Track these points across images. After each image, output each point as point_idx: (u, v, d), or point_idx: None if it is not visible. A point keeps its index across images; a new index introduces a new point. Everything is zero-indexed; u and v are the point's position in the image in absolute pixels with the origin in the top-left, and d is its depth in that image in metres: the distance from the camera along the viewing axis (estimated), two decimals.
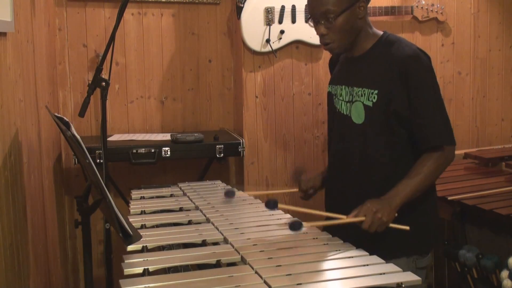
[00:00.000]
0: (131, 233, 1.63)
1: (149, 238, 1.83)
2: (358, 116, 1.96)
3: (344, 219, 1.80)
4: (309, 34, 3.31)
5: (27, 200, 2.36)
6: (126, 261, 1.63)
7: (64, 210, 3.43)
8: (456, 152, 3.60)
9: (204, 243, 1.83)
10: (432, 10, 3.57)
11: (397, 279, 1.46)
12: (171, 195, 2.50)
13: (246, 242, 1.78)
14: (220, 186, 2.67)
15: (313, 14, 1.96)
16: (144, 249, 1.77)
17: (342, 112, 2.05)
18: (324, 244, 1.77)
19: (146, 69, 3.55)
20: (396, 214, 1.81)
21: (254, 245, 1.75)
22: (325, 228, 1.89)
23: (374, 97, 1.91)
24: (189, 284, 1.47)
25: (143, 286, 1.44)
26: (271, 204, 1.81)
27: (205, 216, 2.11)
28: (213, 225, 2.00)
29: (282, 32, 3.32)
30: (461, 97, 3.76)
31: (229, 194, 2.07)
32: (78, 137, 1.72)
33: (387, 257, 1.61)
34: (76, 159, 3.05)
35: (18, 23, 2.33)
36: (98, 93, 2.40)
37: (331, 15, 1.90)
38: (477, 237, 2.51)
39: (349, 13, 1.91)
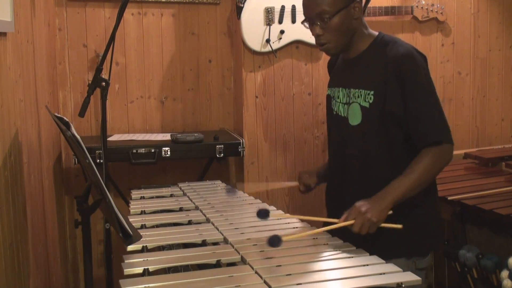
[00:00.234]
0: (131, 233, 1.63)
1: (149, 238, 1.83)
2: (355, 117, 1.96)
3: (334, 224, 1.78)
4: (309, 34, 3.23)
5: (27, 200, 2.36)
6: (126, 261, 1.63)
7: (64, 210, 3.43)
8: (456, 152, 3.60)
9: (204, 243, 1.83)
10: (432, 10, 3.57)
11: (397, 279, 1.47)
12: (171, 195, 2.50)
13: (246, 242, 1.78)
14: (220, 186, 2.68)
15: (308, 15, 1.97)
16: (144, 249, 1.77)
17: (339, 114, 2.05)
18: (324, 244, 1.77)
19: (146, 69, 3.55)
20: (391, 212, 1.79)
21: (254, 245, 1.75)
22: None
23: (370, 98, 1.91)
24: (189, 284, 1.47)
25: (143, 286, 1.44)
26: (262, 213, 1.82)
27: (205, 216, 2.11)
28: (213, 225, 2.00)
29: (282, 32, 3.32)
30: (461, 97, 3.76)
31: (231, 192, 2.07)
32: (78, 137, 1.72)
33: (387, 258, 1.61)
34: (76, 159, 3.05)
35: (18, 23, 2.33)
36: (98, 93, 2.40)
37: (326, 16, 1.91)
38: (477, 237, 2.51)
39: (344, 13, 1.91)
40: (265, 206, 2.28)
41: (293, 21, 3.31)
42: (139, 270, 1.57)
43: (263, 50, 3.33)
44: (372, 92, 1.91)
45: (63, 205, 3.41)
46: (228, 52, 3.66)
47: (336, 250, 1.70)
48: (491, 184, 2.76)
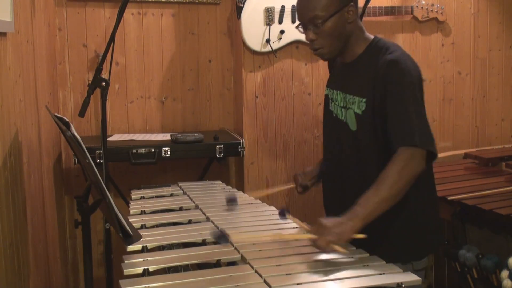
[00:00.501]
0: (131, 233, 1.63)
1: (149, 238, 1.83)
2: (352, 123, 1.95)
3: (297, 235, 1.78)
4: None
5: (27, 200, 2.36)
6: (126, 261, 1.63)
7: (64, 210, 3.43)
8: (456, 152, 3.61)
9: (204, 243, 1.83)
10: (432, 10, 3.57)
11: (397, 279, 1.47)
12: (171, 195, 2.50)
13: (246, 242, 1.78)
14: (220, 186, 2.67)
15: (302, 20, 1.95)
16: (144, 249, 1.77)
17: (339, 117, 2.03)
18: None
19: (146, 69, 3.55)
20: (364, 236, 1.67)
21: (254, 244, 1.75)
22: None
23: (363, 106, 1.89)
24: (189, 284, 1.47)
25: (143, 286, 1.44)
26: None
27: (205, 215, 2.11)
28: (213, 224, 2.00)
29: (282, 32, 3.32)
30: (461, 97, 3.76)
31: (231, 202, 2.05)
32: (78, 137, 1.72)
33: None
34: (76, 159, 3.05)
35: (18, 23, 2.33)
36: (98, 93, 2.40)
37: (319, 21, 1.88)
38: (477, 237, 2.51)
39: (338, 17, 1.89)
40: (265, 206, 2.28)
41: (293, 21, 3.31)
42: (139, 270, 1.57)
43: (263, 50, 3.33)
44: (364, 100, 1.89)
45: (63, 205, 3.41)
46: (228, 52, 3.66)
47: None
48: (491, 184, 2.76)
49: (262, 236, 1.81)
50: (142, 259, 1.65)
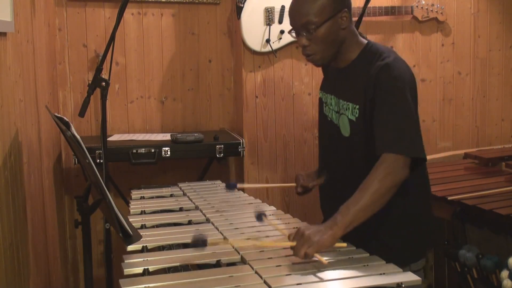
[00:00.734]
0: (131, 233, 1.63)
1: (149, 238, 1.83)
2: (344, 129, 1.94)
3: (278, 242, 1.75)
4: None
5: (27, 200, 2.36)
6: (126, 261, 1.63)
7: (64, 210, 3.43)
8: (456, 152, 3.61)
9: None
10: (432, 10, 3.57)
11: (397, 279, 1.47)
12: (171, 195, 2.50)
13: (246, 243, 1.78)
14: (220, 186, 2.68)
15: (294, 26, 1.92)
16: (144, 249, 1.77)
17: (333, 121, 2.02)
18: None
19: (146, 69, 3.55)
20: (344, 244, 1.68)
21: (254, 244, 1.75)
22: None
23: (356, 112, 1.87)
24: (189, 284, 1.47)
25: (143, 286, 1.44)
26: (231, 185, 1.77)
27: (205, 216, 2.11)
28: (213, 225, 2.00)
29: (282, 32, 3.32)
30: (461, 97, 3.76)
31: (230, 187, 2.03)
32: (78, 137, 1.72)
33: None
34: (76, 159, 3.05)
35: (18, 23, 2.33)
36: (98, 93, 2.40)
37: (312, 26, 1.85)
38: (477, 237, 2.51)
39: (331, 24, 1.86)
40: (265, 206, 2.28)
41: None
42: (139, 270, 1.57)
43: (263, 50, 3.33)
44: (357, 106, 1.87)
45: (63, 205, 3.42)
46: (228, 52, 3.66)
47: (336, 250, 1.70)
48: (491, 184, 2.76)
49: (239, 240, 1.76)
50: (142, 259, 1.65)
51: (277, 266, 1.57)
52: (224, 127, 3.68)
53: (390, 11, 3.47)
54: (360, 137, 1.88)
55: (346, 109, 1.92)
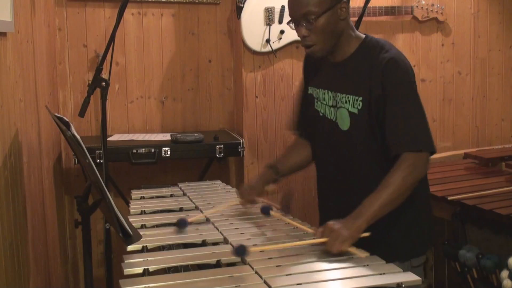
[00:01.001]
0: (131, 233, 1.63)
1: (149, 238, 1.83)
2: (343, 122, 1.93)
3: (312, 238, 1.75)
4: None
5: (27, 200, 2.36)
6: (126, 261, 1.63)
7: (64, 210, 3.43)
8: (456, 152, 3.60)
9: (204, 243, 1.83)
10: (432, 10, 3.57)
11: (397, 279, 1.47)
12: (171, 195, 2.50)
13: (246, 242, 1.78)
14: (220, 186, 2.67)
15: (294, 16, 1.92)
16: (144, 249, 1.77)
17: (328, 117, 2.01)
18: (324, 244, 1.77)
19: (146, 69, 3.55)
20: (368, 234, 1.70)
21: (254, 245, 1.75)
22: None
23: (359, 104, 1.87)
24: (189, 284, 1.47)
25: (143, 286, 1.44)
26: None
27: (205, 216, 2.11)
28: (213, 225, 2.00)
29: (282, 32, 3.32)
30: (461, 97, 3.76)
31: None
32: (78, 137, 1.72)
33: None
34: (76, 159, 3.05)
35: (18, 23, 2.33)
36: (98, 93, 2.40)
37: (312, 17, 1.85)
38: (477, 237, 2.51)
39: (330, 14, 1.86)
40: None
41: None
42: (139, 270, 1.57)
43: (263, 50, 3.33)
44: (360, 98, 1.87)
45: (63, 205, 3.42)
46: (228, 52, 3.66)
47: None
48: (491, 184, 2.76)
49: (277, 246, 1.75)
50: (142, 259, 1.65)
51: (277, 266, 1.57)
52: (224, 127, 3.68)
53: (390, 11, 3.47)
54: (360, 130, 1.89)
55: (346, 102, 1.92)
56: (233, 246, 1.69)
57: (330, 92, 1.99)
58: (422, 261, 1.98)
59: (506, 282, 2.16)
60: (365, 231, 1.71)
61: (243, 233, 1.89)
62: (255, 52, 3.36)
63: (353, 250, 1.65)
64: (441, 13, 3.59)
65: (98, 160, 2.87)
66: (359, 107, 1.88)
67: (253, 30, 3.30)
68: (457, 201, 2.54)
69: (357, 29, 2.05)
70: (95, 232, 3.42)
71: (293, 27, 1.95)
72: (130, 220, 1.87)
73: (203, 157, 3.31)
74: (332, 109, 1.98)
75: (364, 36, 1.97)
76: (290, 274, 1.51)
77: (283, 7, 3.29)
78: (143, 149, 3.10)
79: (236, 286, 1.43)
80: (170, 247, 1.82)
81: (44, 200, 2.76)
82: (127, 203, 2.56)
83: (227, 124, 3.70)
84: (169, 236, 1.88)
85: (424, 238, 2.01)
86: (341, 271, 1.54)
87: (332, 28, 1.89)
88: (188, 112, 3.64)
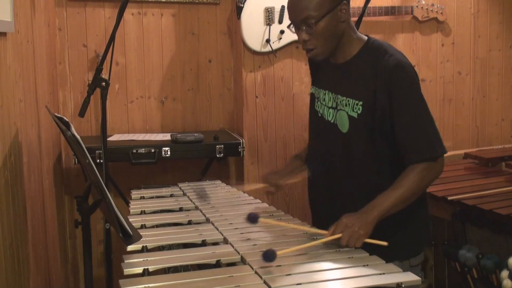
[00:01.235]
0: (131, 233, 1.63)
1: (149, 238, 1.83)
2: (342, 125, 1.93)
3: (321, 238, 1.75)
4: None
5: (27, 200, 2.36)
6: (126, 261, 1.63)
7: (64, 210, 3.43)
8: (456, 152, 3.61)
9: (204, 243, 1.83)
10: (432, 10, 3.57)
11: (397, 279, 1.47)
12: (171, 195, 2.50)
13: (246, 242, 1.78)
14: (220, 186, 2.67)
15: (294, 21, 1.91)
16: (144, 249, 1.77)
17: (326, 118, 2.00)
18: (324, 244, 1.77)
19: (146, 69, 3.55)
20: (385, 244, 1.72)
21: (254, 245, 1.75)
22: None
23: (359, 109, 1.87)
24: (189, 284, 1.47)
25: (143, 286, 1.44)
26: (252, 217, 1.80)
27: (205, 216, 2.11)
28: (213, 225, 2.00)
29: (282, 32, 3.32)
30: (461, 97, 3.76)
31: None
32: (78, 137, 1.72)
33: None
34: (76, 159, 3.05)
35: (18, 23, 2.33)
36: (98, 93, 2.40)
37: (312, 21, 1.84)
38: (477, 237, 2.51)
39: (331, 17, 1.85)
40: (264, 205, 2.28)
41: None
42: (139, 270, 1.57)
43: (263, 50, 3.33)
44: (361, 103, 1.86)
45: (63, 205, 3.42)
46: (228, 52, 3.66)
47: (336, 250, 1.70)
48: (491, 184, 2.76)
49: (302, 246, 1.73)
50: (142, 259, 1.65)
51: (277, 266, 1.57)
52: (224, 127, 3.68)
53: (390, 11, 3.47)
54: (359, 134, 1.88)
55: (346, 105, 1.91)
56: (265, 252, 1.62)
57: (331, 93, 1.99)
58: (420, 260, 1.98)
59: (506, 282, 2.16)
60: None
61: (243, 233, 1.89)
62: (255, 52, 3.36)
63: (371, 241, 1.71)
64: (441, 13, 3.59)
65: (98, 160, 2.87)
66: (359, 112, 1.87)
67: (253, 30, 3.30)
68: (457, 201, 2.54)
69: (357, 29, 2.05)
70: (95, 232, 3.42)
71: (294, 31, 1.94)
72: (130, 220, 1.87)
73: (203, 157, 3.31)
74: (331, 110, 1.98)
75: (366, 38, 1.96)
76: (290, 274, 1.51)
77: (283, 7, 3.29)
78: (143, 149, 3.10)
79: (236, 286, 1.43)
80: (170, 247, 1.82)
81: (44, 200, 2.76)
82: (127, 203, 2.56)
83: (227, 124, 3.70)
84: (169, 236, 1.88)
85: (422, 236, 2.02)
86: (341, 271, 1.54)
87: (332, 31, 1.88)
88: (188, 112, 3.64)
